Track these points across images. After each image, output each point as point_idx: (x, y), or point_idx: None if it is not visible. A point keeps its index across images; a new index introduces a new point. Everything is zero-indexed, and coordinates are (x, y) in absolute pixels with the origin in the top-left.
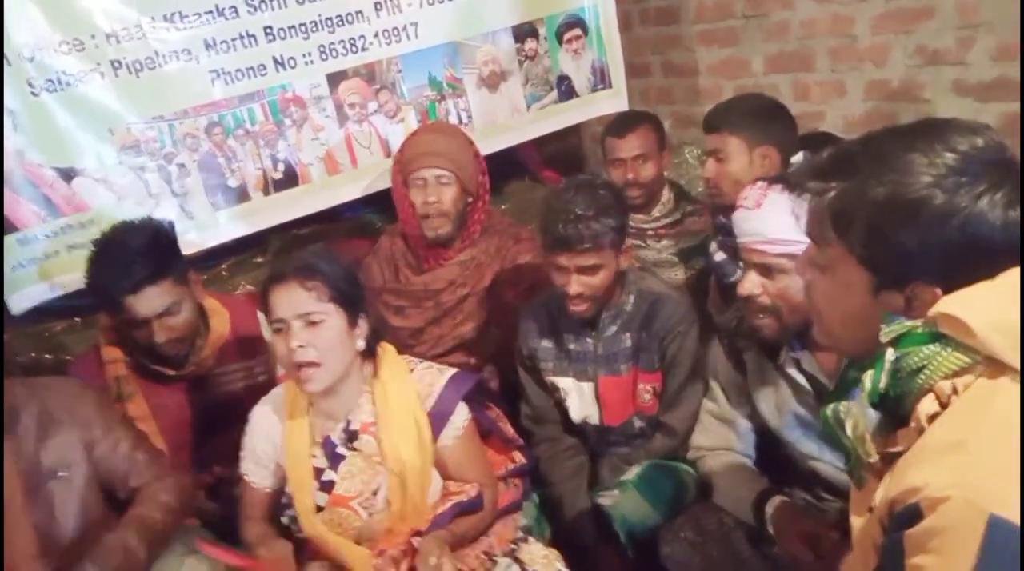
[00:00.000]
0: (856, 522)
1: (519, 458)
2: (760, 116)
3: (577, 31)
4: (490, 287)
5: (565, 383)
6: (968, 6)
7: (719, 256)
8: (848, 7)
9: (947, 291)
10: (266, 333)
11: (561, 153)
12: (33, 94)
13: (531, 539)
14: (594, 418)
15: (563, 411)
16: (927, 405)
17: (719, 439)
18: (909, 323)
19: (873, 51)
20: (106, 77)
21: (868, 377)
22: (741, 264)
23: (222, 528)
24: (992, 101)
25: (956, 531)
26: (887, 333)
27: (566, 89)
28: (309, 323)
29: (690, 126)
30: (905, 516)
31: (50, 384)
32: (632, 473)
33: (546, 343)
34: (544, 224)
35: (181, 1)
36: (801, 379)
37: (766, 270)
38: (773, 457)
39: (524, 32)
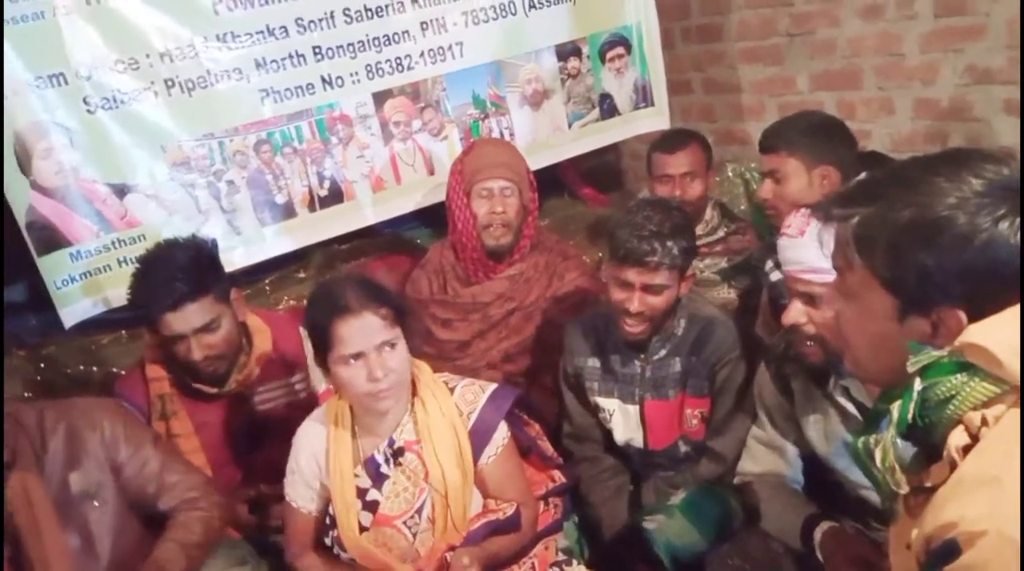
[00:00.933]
0: (895, 560)
1: (559, 477)
2: (818, 134)
3: (620, 49)
4: (535, 302)
5: (610, 404)
6: (1018, 25)
7: (775, 275)
8: (896, 25)
9: (971, 315)
10: (309, 356)
11: (599, 170)
12: (89, 112)
13: (574, 562)
14: (638, 441)
15: (606, 432)
16: (957, 437)
17: (767, 464)
18: (936, 353)
19: (922, 69)
20: (159, 95)
21: (896, 407)
22: None
23: (263, 542)
24: None
25: (994, 566)
26: (914, 363)
27: (608, 107)
28: (387, 350)
29: (732, 143)
30: (943, 552)
31: (78, 405)
32: (678, 497)
33: (592, 362)
34: (617, 237)
35: (233, 21)
36: (850, 406)
37: (810, 299)
38: (822, 484)
39: (567, 51)
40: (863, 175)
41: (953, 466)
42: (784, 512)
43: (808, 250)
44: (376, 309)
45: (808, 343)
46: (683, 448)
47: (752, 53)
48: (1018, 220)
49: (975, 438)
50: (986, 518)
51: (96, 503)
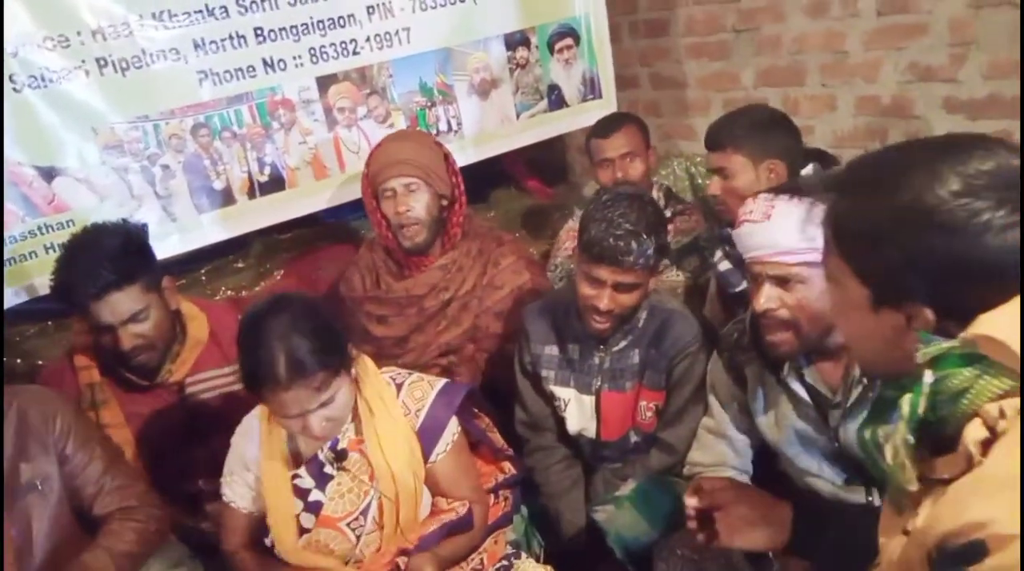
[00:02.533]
0: (889, 543)
1: (509, 468)
2: (762, 129)
3: (569, 41)
4: (472, 292)
5: (565, 393)
6: (961, 23)
7: (724, 265)
8: (841, 23)
9: (940, 314)
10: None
11: (545, 162)
12: (15, 90)
13: (523, 555)
14: (590, 431)
15: (559, 420)
16: (975, 431)
17: (716, 455)
18: (946, 344)
19: (864, 67)
20: (91, 75)
21: (906, 402)
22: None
23: (199, 541)
24: (983, 118)
25: None
26: (924, 354)
27: (556, 98)
28: (323, 409)
29: (678, 138)
30: (968, 551)
31: (29, 392)
32: (628, 488)
33: (550, 350)
34: (592, 234)
35: None
36: (802, 391)
37: (783, 282)
38: (770, 474)
39: (516, 40)
40: (857, 158)
41: (969, 460)
42: None
43: (778, 232)
44: (307, 382)
45: (778, 332)
46: (633, 439)
47: (698, 48)
48: (1000, 215)
49: (992, 430)
50: (1019, 522)
51: (41, 494)
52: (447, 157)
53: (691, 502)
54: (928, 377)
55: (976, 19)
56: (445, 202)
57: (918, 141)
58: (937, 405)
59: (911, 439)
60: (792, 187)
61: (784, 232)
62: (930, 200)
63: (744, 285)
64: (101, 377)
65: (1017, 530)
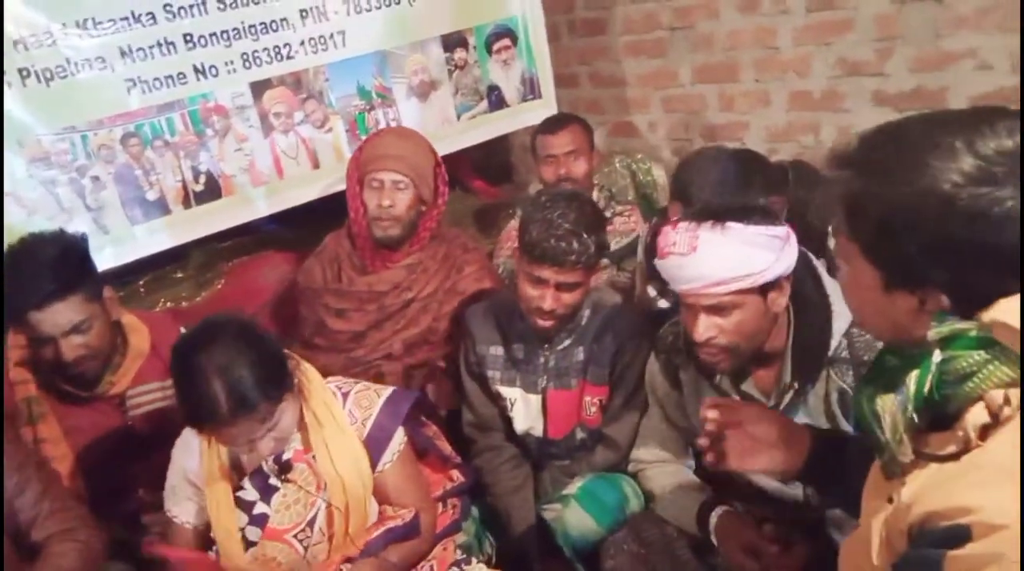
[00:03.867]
0: (870, 506)
1: (457, 476)
2: (744, 187)
3: (506, 41)
4: (433, 294)
5: (511, 393)
6: (885, 18)
7: (663, 303)
8: (771, 19)
9: (955, 300)
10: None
11: (490, 163)
12: None
13: (473, 561)
14: (537, 430)
15: (506, 420)
16: (977, 415)
17: (659, 453)
18: (960, 325)
19: (795, 62)
20: (13, 86)
21: (913, 379)
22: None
23: (139, 558)
24: (909, 110)
25: (1008, 563)
26: (936, 333)
27: (496, 99)
28: (270, 434)
29: (619, 136)
30: (950, 535)
31: None
32: (574, 486)
33: (495, 350)
34: (532, 234)
35: (94, 7)
36: (736, 396)
37: (717, 310)
38: (711, 471)
39: (454, 42)
40: (866, 132)
41: (967, 443)
42: (679, 497)
43: (706, 263)
44: (252, 415)
45: (717, 354)
46: (579, 436)
47: (636, 47)
48: (1014, 202)
49: (995, 417)
50: (1009, 514)
51: None
52: (438, 164)
53: (711, 414)
54: (937, 356)
55: (900, 14)
56: (423, 207)
57: (935, 115)
58: (942, 384)
59: (915, 417)
60: (712, 210)
61: (713, 263)
62: (948, 187)
63: (668, 305)
64: (38, 391)
65: (1005, 521)
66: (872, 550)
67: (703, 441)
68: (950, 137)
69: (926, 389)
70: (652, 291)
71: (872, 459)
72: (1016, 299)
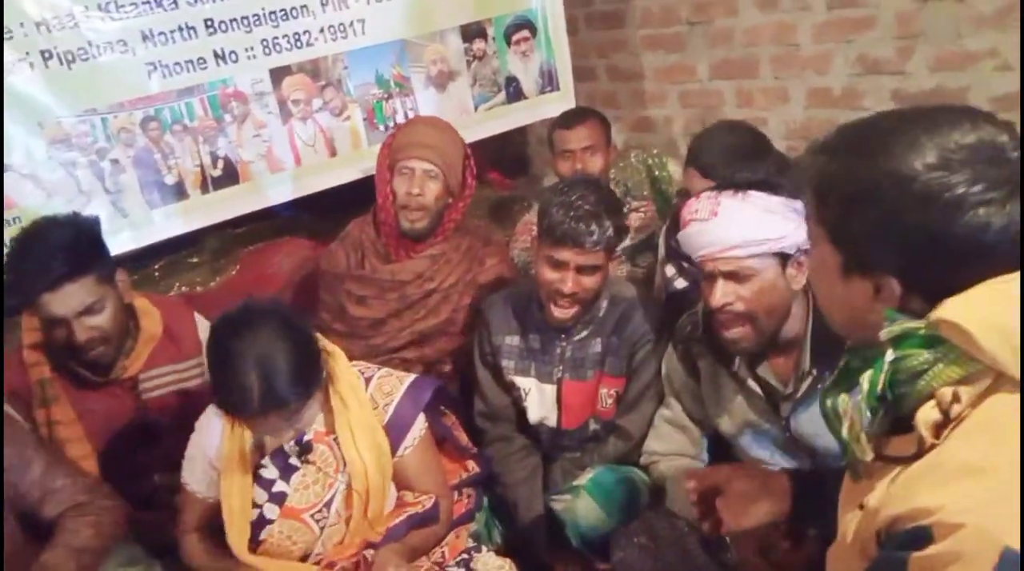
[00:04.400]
0: (846, 517)
1: (472, 467)
2: (753, 158)
3: (525, 32)
4: (454, 286)
5: (526, 383)
6: (907, 16)
7: (680, 283)
8: (791, 15)
9: (907, 288)
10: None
11: (506, 154)
12: None
13: (484, 548)
14: (551, 420)
15: (519, 410)
16: (928, 413)
17: (673, 444)
18: (910, 324)
19: (815, 59)
20: (36, 68)
21: (866, 378)
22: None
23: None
24: None
25: (968, 561)
26: (887, 333)
27: (514, 90)
28: (296, 422)
29: (636, 130)
30: (913, 537)
31: None
32: (584, 477)
33: (511, 340)
34: (552, 218)
35: None
36: (754, 385)
37: (736, 277)
38: (724, 461)
39: (473, 32)
40: (847, 123)
41: (922, 443)
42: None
43: (726, 228)
44: (282, 413)
45: (735, 327)
46: (592, 427)
47: (654, 40)
48: (976, 191)
49: (945, 414)
50: (967, 512)
51: None
52: (467, 157)
53: (690, 484)
54: (889, 355)
55: (921, 12)
56: (450, 199)
57: (908, 110)
58: (895, 383)
59: (868, 415)
60: (734, 182)
61: (732, 228)
62: (906, 170)
63: (685, 284)
64: (51, 373)
65: (964, 520)
66: (850, 557)
67: (696, 512)
68: (916, 128)
69: (879, 388)
70: (671, 270)
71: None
72: (963, 296)
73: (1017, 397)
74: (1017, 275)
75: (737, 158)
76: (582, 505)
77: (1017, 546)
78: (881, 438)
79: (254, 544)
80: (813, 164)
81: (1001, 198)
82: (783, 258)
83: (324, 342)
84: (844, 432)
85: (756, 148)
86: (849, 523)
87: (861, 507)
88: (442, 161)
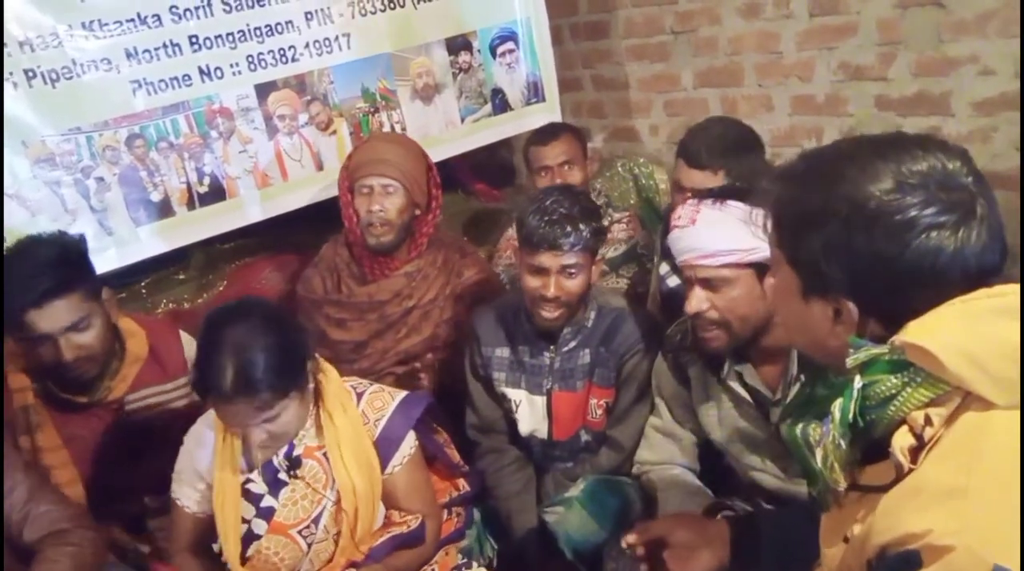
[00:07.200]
0: (829, 551)
1: (463, 485)
2: (742, 149)
3: (510, 44)
4: (434, 301)
5: (517, 395)
6: (888, 23)
7: (673, 281)
8: (774, 23)
9: (864, 311)
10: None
11: (492, 165)
12: None
13: (474, 564)
14: (542, 432)
15: (510, 422)
16: (902, 438)
17: (664, 453)
18: (875, 349)
19: (798, 67)
20: (19, 87)
21: (837, 407)
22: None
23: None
24: (912, 116)
25: None
26: (852, 360)
27: (500, 102)
28: (266, 424)
29: (622, 139)
30: (902, 562)
31: None
32: (577, 489)
33: (501, 352)
34: (529, 224)
35: (100, 8)
36: (743, 392)
37: (710, 284)
38: (716, 468)
39: (458, 45)
40: (808, 151)
41: (899, 469)
42: (682, 501)
43: (701, 236)
44: (251, 400)
45: (709, 330)
46: (584, 438)
47: (639, 50)
48: (928, 215)
49: (919, 438)
50: (955, 534)
51: None
52: (430, 168)
53: (630, 539)
54: (857, 382)
55: (903, 19)
56: (418, 211)
57: (866, 138)
58: (866, 410)
59: (843, 444)
60: (719, 190)
61: (708, 236)
62: (859, 193)
63: (678, 281)
64: (35, 400)
65: (952, 542)
66: None
67: (645, 568)
68: (871, 154)
69: (851, 415)
70: (664, 268)
71: (802, 519)
72: (925, 319)
73: (989, 415)
74: (976, 294)
75: (726, 148)
76: (574, 516)
77: (1007, 564)
78: (855, 469)
79: (242, 559)
80: (773, 189)
81: (953, 223)
82: (761, 269)
83: (319, 360)
84: (818, 462)
85: (744, 140)
86: (834, 557)
87: (846, 540)
88: (401, 174)
